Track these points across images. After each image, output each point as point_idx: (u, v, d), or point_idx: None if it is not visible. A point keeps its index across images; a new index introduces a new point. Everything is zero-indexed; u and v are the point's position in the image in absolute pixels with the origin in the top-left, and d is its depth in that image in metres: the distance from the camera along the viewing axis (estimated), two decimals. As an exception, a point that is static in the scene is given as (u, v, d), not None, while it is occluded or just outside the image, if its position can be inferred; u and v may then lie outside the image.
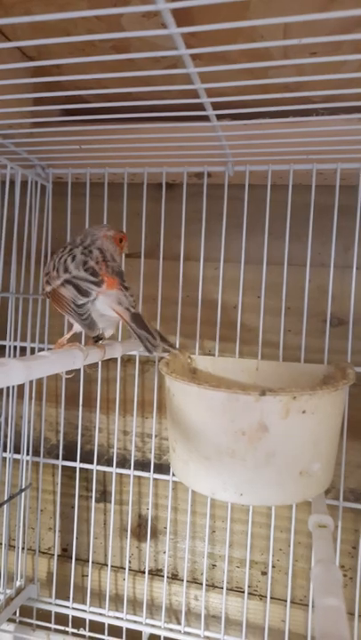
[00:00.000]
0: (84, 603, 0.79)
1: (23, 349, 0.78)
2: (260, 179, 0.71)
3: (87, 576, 0.82)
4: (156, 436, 0.81)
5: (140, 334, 0.51)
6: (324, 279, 0.71)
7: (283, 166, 0.67)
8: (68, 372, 0.53)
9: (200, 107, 0.50)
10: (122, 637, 0.76)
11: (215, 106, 0.50)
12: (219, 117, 0.53)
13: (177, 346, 0.74)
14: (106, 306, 0.52)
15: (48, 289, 0.55)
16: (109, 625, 0.77)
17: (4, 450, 0.77)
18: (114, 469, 0.78)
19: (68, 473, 0.85)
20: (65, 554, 0.87)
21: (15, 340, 0.77)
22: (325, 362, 0.67)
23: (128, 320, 0.52)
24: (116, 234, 0.59)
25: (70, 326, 0.55)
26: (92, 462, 0.79)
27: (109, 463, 0.81)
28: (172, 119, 0.57)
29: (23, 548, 0.81)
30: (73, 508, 0.82)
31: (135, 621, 0.77)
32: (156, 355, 0.55)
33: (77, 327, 0.54)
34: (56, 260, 0.55)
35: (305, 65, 0.60)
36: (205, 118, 0.54)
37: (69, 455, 0.82)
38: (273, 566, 0.78)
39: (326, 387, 0.50)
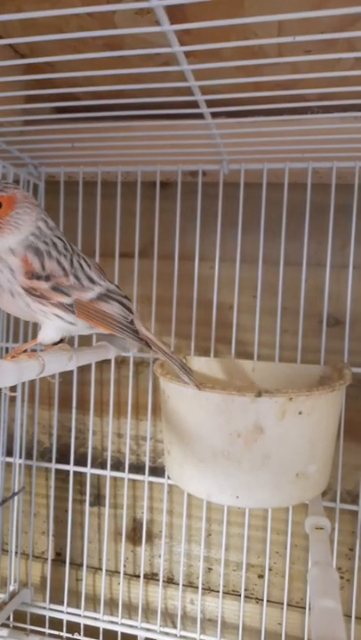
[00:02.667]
0: (78, 607, 0.78)
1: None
2: (255, 177, 0.71)
3: (81, 580, 0.81)
4: (150, 439, 0.80)
5: (175, 361, 0.51)
6: (321, 279, 0.70)
7: (278, 165, 0.67)
8: (52, 377, 0.51)
9: (194, 104, 0.50)
10: (117, 642, 0.75)
11: (210, 104, 0.50)
12: (213, 115, 0.53)
13: (171, 348, 0.73)
14: (137, 323, 0.50)
15: (65, 300, 0.45)
16: (104, 629, 0.76)
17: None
18: (108, 472, 0.77)
19: (62, 476, 0.84)
20: (59, 558, 0.86)
21: (7, 341, 0.76)
22: (322, 362, 0.67)
23: (167, 352, 0.52)
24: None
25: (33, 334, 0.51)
26: (85, 465, 0.78)
27: (103, 466, 0.80)
28: (167, 117, 0.56)
29: (16, 553, 0.80)
30: (67, 511, 0.81)
31: (130, 625, 0.76)
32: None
33: (45, 338, 0.47)
34: (62, 260, 0.45)
35: (299, 63, 0.60)
36: (200, 116, 0.53)
37: (63, 458, 0.81)
38: (269, 569, 0.78)
39: (323, 387, 0.49)
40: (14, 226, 0.43)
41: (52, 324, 0.45)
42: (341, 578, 0.74)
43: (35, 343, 0.47)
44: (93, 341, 0.69)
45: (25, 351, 0.43)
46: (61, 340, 0.49)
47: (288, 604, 0.73)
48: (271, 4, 0.51)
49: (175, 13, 0.51)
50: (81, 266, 0.46)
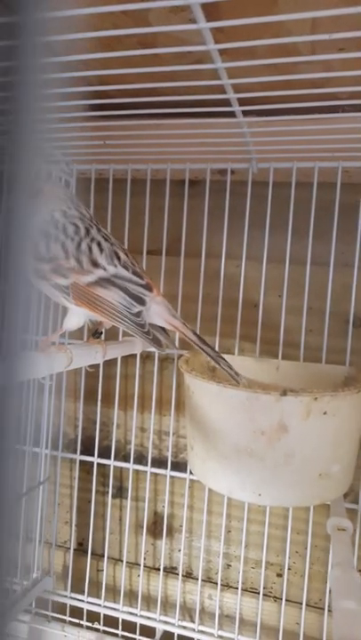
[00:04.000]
0: (98, 597, 0.80)
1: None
2: (284, 176, 0.70)
3: (102, 571, 0.82)
4: (173, 434, 0.81)
5: (206, 350, 0.49)
6: (348, 279, 0.70)
7: (308, 164, 0.66)
8: (91, 367, 0.52)
9: (225, 103, 0.50)
10: (135, 633, 0.76)
11: (240, 102, 0.50)
12: (244, 114, 0.53)
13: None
14: (157, 317, 0.47)
15: (62, 281, 0.45)
16: (123, 620, 0.77)
17: (24, 443, 0.77)
18: (131, 465, 0.78)
19: (86, 468, 0.85)
20: (80, 548, 0.88)
21: (37, 334, 0.77)
22: (347, 363, 0.66)
23: (190, 336, 0.49)
24: None
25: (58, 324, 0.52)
26: (109, 458, 0.79)
27: (126, 459, 0.81)
28: (197, 115, 0.57)
29: (40, 541, 0.82)
30: (89, 502, 0.82)
31: (149, 618, 0.77)
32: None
33: (69, 325, 0.47)
34: (68, 244, 0.45)
35: (332, 61, 0.59)
36: (231, 114, 0.53)
37: (87, 450, 0.83)
38: (289, 568, 0.78)
39: (348, 388, 0.49)
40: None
41: (74, 310, 0.46)
42: (362, 581, 0.74)
43: (61, 332, 0.48)
44: (120, 336, 0.71)
45: (53, 343, 0.44)
46: (101, 333, 0.51)
47: (307, 605, 0.73)
48: (305, 1, 0.51)
49: (210, 11, 0.52)
50: (90, 249, 0.45)
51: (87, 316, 0.47)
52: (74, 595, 0.80)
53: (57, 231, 0.45)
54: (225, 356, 0.70)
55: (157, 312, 0.47)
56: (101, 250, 0.46)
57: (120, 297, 0.45)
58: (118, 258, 0.47)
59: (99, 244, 0.46)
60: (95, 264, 0.45)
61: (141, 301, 0.46)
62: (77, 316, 0.46)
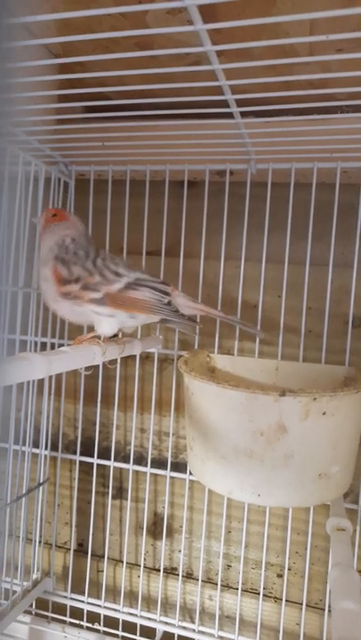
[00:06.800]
0: (98, 598, 0.80)
1: (44, 345, 0.79)
2: (282, 177, 0.70)
3: (102, 571, 0.82)
4: (173, 435, 0.81)
5: (232, 320, 0.59)
6: (347, 279, 0.70)
7: (306, 164, 0.66)
8: (86, 369, 0.54)
9: (223, 104, 0.50)
10: (136, 634, 0.76)
11: (238, 103, 0.50)
12: (242, 115, 0.53)
13: (195, 347, 0.74)
14: (181, 305, 0.57)
15: (96, 295, 0.52)
16: (124, 621, 0.77)
17: (23, 444, 0.77)
18: (130, 466, 0.78)
19: (85, 469, 0.85)
20: (81, 549, 0.88)
21: (36, 335, 0.77)
22: (347, 363, 0.66)
23: (215, 312, 0.59)
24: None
25: (90, 328, 0.55)
26: (109, 459, 0.79)
27: (126, 460, 0.81)
28: (195, 116, 0.57)
29: (40, 542, 0.82)
30: (89, 503, 0.82)
31: (149, 618, 0.77)
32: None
33: (104, 330, 0.54)
34: (87, 264, 0.53)
35: (330, 62, 0.59)
36: (229, 115, 0.53)
37: (87, 451, 0.83)
38: (289, 569, 0.78)
39: (347, 388, 0.49)
40: (50, 231, 0.56)
41: (106, 319, 0.53)
42: (362, 581, 0.74)
43: (93, 335, 0.54)
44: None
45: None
46: (115, 335, 0.58)
47: (307, 605, 0.73)
48: (303, 3, 0.51)
49: (206, 13, 0.52)
50: (105, 265, 0.54)
51: (120, 323, 0.54)
52: (74, 595, 0.80)
53: (71, 256, 0.54)
54: (225, 356, 0.70)
55: (180, 302, 0.57)
56: (116, 263, 0.55)
57: (151, 293, 0.54)
58: (133, 266, 0.56)
59: (110, 259, 0.55)
60: (117, 274, 0.53)
61: (167, 294, 0.55)
62: (109, 323, 0.53)
